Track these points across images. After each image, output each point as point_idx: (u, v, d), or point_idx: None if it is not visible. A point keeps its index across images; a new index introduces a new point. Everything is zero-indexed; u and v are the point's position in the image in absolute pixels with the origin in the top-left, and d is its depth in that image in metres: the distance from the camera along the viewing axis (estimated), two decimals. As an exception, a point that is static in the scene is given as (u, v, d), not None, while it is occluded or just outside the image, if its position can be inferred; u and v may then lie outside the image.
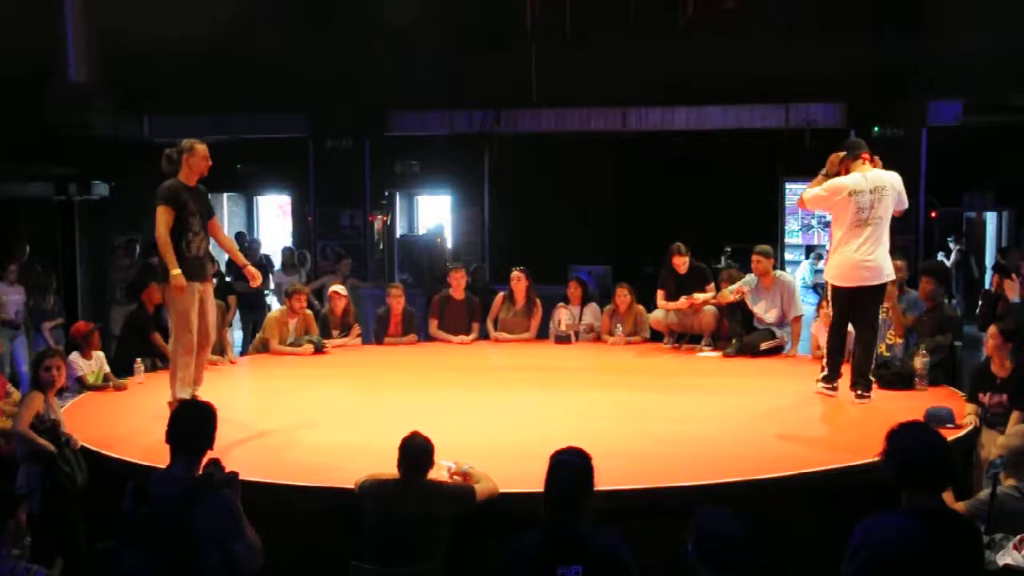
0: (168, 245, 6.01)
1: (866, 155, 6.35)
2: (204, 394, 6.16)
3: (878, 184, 6.20)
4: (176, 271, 5.97)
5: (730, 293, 8.31)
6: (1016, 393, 5.54)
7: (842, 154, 6.43)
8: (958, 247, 14.62)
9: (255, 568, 3.71)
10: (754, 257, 8.30)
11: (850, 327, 6.57)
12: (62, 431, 5.33)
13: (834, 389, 6.58)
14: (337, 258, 12.53)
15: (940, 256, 14.63)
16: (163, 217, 6.00)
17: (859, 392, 6.43)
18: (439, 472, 4.41)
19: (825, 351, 6.72)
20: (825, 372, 6.65)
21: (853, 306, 6.39)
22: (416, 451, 4.26)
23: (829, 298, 6.56)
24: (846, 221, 6.22)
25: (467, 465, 4.51)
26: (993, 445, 4.83)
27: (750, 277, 8.41)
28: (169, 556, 3.62)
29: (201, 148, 6.20)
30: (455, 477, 4.46)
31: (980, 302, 11.23)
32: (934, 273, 7.16)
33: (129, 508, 3.77)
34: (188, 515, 3.62)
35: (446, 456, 4.51)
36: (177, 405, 5.04)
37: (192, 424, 3.93)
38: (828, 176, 6.43)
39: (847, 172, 6.35)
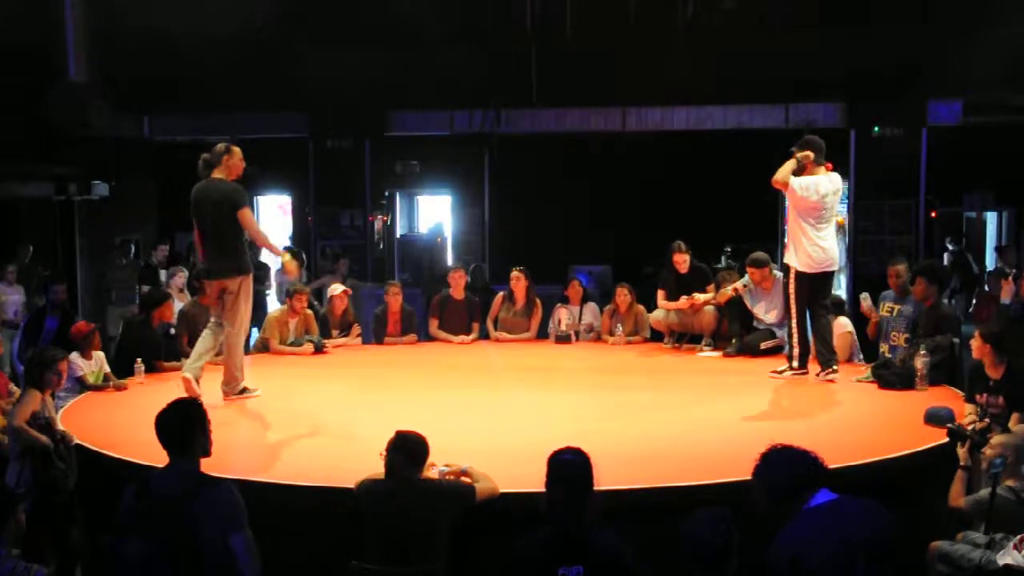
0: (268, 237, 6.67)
1: (829, 165, 7.11)
2: (205, 394, 6.18)
3: (837, 188, 7.11)
4: (288, 257, 6.74)
5: (730, 289, 8.31)
6: (1013, 396, 5.56)
7: (812, 155, 6.96)
8: (954, 248, 14.58)
9: (257, 567, 3.69)
10: (748, 270, 8.30)
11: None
12: (56, 429, 5.34)
13: (804, 372, 7.16)
14: (334, 258, 12.51)
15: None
16: (252, 215, 6.42)
17: (832, 368, 7.05)
18: (431, 475, 4.39)
19: (797, 341, 7.14)
20: (796, 362, 7.17)
21: (813, 291, 7.07)
22: (413, 447, 4.24)
23: (793, 288, 7.06)
24: (810, 217, 6.97)
25: (465, 465, 4.50)
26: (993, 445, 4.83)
27: (748, 278, 8.40)
28: (171, 552, 3.61)
29: (238, 150, 6.49)
30: (449, 478, 4.45)
31: (974, 301, 11.24)
32: (925, 274, 7.22)
33: (130, 505, 3.76)
34: (190, 510, 3.61)
35: (445, 457, 4.51)
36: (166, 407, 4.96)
37: (189, 423, 3.89)
38: (799, 162, 6.96)
39: (809, 172, 6.96)
